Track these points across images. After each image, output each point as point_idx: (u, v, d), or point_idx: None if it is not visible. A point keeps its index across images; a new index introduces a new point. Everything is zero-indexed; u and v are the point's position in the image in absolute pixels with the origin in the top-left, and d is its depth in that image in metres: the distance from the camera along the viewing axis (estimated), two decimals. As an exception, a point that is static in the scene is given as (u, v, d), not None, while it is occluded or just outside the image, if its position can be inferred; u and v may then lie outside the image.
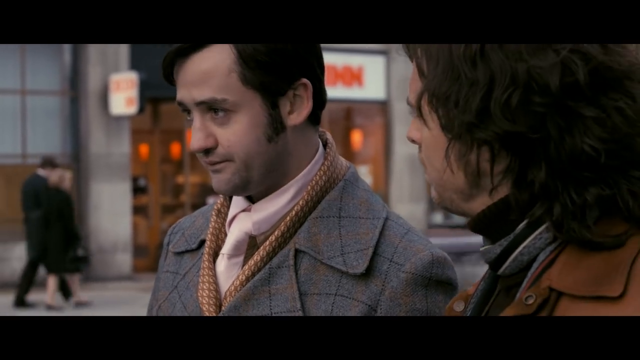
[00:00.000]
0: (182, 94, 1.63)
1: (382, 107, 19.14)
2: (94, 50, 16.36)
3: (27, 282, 13.66)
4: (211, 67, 1.60)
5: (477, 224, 1.33)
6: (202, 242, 1.76)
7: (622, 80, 1.24)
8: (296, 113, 1.65)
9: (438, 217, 19.66)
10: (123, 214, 16.72)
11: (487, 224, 1.31)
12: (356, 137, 20.08)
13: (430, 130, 1.31)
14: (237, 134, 1.62)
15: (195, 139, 1.62)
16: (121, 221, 16.68)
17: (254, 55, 1.60)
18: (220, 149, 1.62)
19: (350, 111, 19.76)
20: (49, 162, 14.04)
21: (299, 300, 1.59)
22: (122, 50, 16.59)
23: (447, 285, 1.61)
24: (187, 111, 1.65)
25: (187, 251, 1.79)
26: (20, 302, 13.55)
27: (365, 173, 19.38)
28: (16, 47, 15.82)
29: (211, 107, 1.61)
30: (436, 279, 1.59)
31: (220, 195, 1.75)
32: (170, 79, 1.66)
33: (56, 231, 13.39)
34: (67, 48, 16.51)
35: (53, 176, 13.66)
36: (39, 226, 13.58)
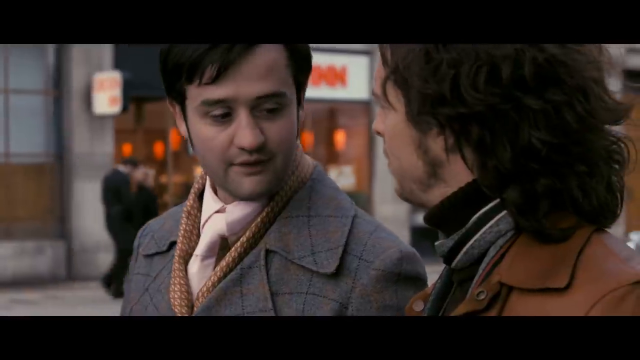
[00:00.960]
0: (235, 90, 1.58)
1: (366, 107, 19.13)
2: (77, 50, 16.30)
3: (120, 272, 13.78)
4: (273, 62, 1.60)
5: (432, 217, 1.36)
6: (172, 244, 1.76)
7: (576, 76, 1.25)
8: (302, 112, 1.69)
9: (421, 218, 19.64)
10: (106, 214, 16.67)
11: (441, 217, 1.34)
12: (340, 138, 20.06)
13: (395, 114, 1.33)
14: (285, 129, 1.62)
15: (253, 135, 1.58)
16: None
17: (303, 53, 1.64)
18: (269, 144, 1.60)
19: (334, 111, 19.75)
20: (129, 159, 14.17)
21: (270, 299, 1.60)
22: (106, 50, 16.54)
23: (417, 281, 1.63)
24: (223, 114, 1.59)
25: (157, 253, 1.79)
26: (120, 293, 13.85)
27: (348, 173, 19.37)
28: (-1, 46, 15.76)
29: (265, 103, 1.59)
30: (405, 275, 1.62)
31: (190, 197, 1.76)
32: (196, 77, 1.58)
33: (140, 226, 13.57)
34: (50, 47, 16.43)
35: (138, 173, 13.98)
36: (121, 221, 13.90)
